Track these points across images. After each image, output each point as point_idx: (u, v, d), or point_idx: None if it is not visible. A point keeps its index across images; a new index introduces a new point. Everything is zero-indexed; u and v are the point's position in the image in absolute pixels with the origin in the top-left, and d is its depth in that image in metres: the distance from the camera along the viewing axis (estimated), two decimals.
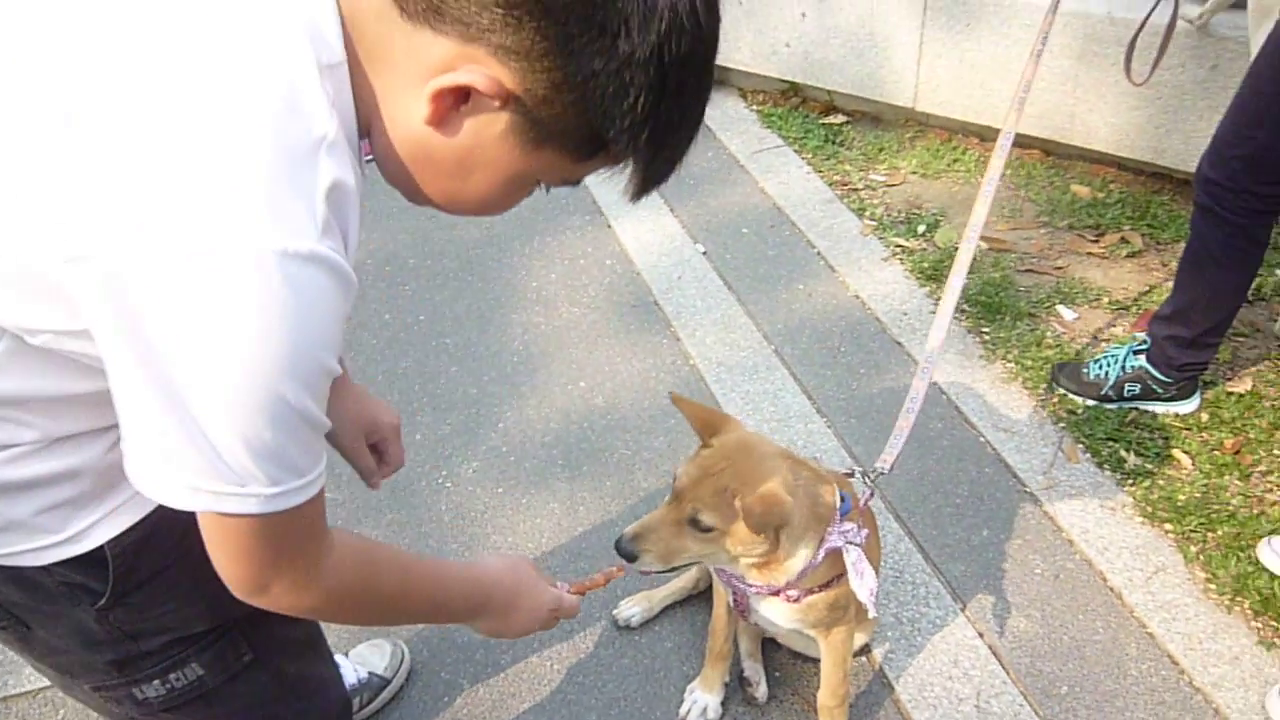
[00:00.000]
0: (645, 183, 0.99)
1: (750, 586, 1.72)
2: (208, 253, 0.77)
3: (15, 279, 0.84)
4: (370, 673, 2.06)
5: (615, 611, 2.21)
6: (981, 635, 2.15)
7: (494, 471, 2.63)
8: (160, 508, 1.06)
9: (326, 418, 0.90)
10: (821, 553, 1.65)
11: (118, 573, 1.07)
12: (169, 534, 1.10)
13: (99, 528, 1.05)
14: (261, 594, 0.98)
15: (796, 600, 1.71)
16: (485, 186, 0.97)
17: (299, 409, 0.85)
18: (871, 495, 1.85)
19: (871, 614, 1.69)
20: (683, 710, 2.03)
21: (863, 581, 1.64)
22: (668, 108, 0.90)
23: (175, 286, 0.78)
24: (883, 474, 1.90)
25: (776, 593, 1.70)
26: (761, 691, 2.06)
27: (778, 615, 1.77)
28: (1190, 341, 2.52)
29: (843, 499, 1.70)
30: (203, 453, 0.83)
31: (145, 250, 0.77)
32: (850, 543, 1.65)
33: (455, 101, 0.88)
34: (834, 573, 1.69)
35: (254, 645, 1.24)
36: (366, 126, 0.93)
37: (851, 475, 1.91)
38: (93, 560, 1.05)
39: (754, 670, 2.07)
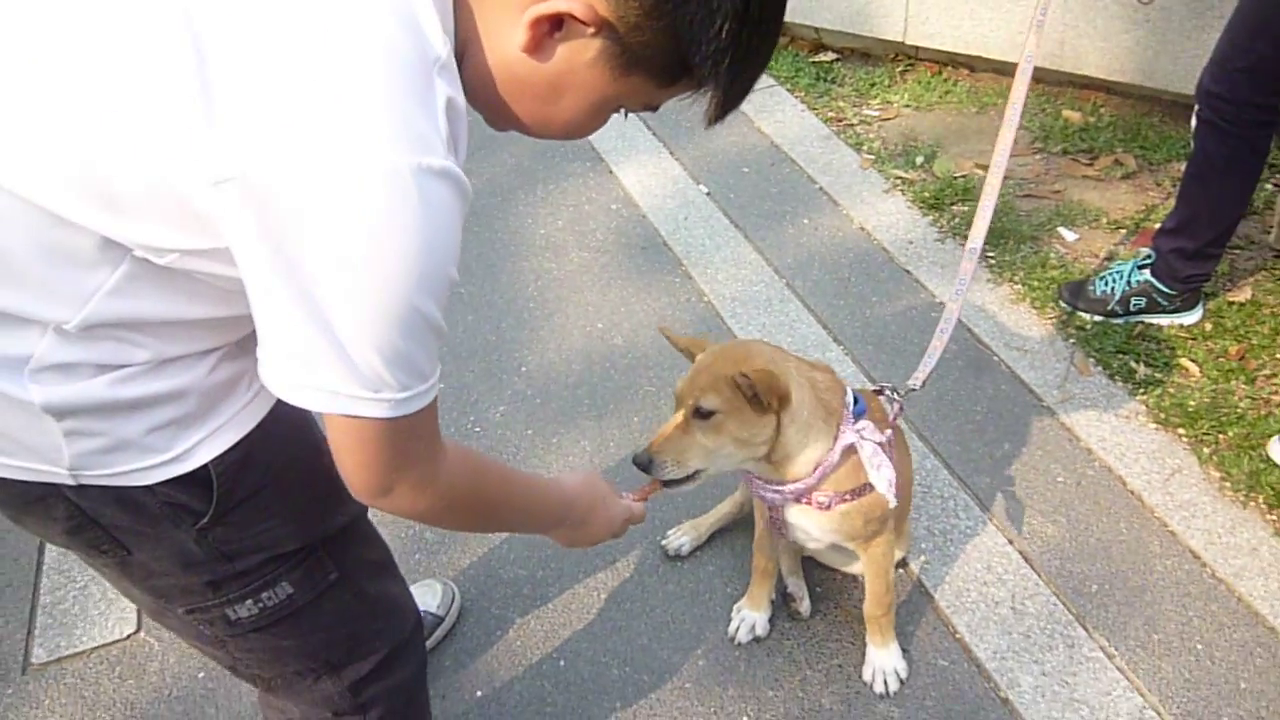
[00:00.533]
0: (723, 107, 1.03)
1: (775, 491, 1.75)
2: (349, 169, 0.81)
3: (152, 201, 0.87)
4: (425, 611, 2.12)
5: (664, 542, 2.27)
6: (1011, 542, 2.24)
7: (521, 414, 2.68)
8: (258, 428, 1.13)
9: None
10: (838, 450, 1.69)
11: (221, 491, 1.11)
12: (266, 454, 1.15)
13: (203, 447, 1.09)
14: (384, 495, 1.02)
15: (828, 507, 1.74)
16: (573, 110, 1.01)
17: (428, 317, 0.90)
18: (901, 410, 1.89)
19: (891, 504, 1.72)
20: (731, 628, 2.11)
21: (879, 473, 1.68)
22: (749, 35, 0.95)
23: (318, 204, 0.82)
24: (914, 391, 1.96)
25: (803, 498, 1.74)
26: (805, 606, 2.13)
27: (812, 526, 1.81)
28: (1194, 253, 2.60)
29: (855, 400, 1.74)
30: (341, 360, 0.88)
31: (288, 170, 0.81)
32: (865, 439, 1.69)
33: (550, 29, 0.92)
34: (858, 480, 1.72)
35: (339, 564, 1.29)
36: (461, 52, 0.97)
37: (880, 392, 1.95)
38: (196, 479, 1.09)
39: (797, 586, 2.15)
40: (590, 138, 3.86)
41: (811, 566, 2.20)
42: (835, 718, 1.96)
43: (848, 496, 1.74)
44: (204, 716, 2.06)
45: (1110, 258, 3.02)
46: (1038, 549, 2.22)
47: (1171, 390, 2.56)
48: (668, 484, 1.65)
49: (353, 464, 0.99)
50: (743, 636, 2.09)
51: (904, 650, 2.03)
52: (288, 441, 1.21)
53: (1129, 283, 2.72)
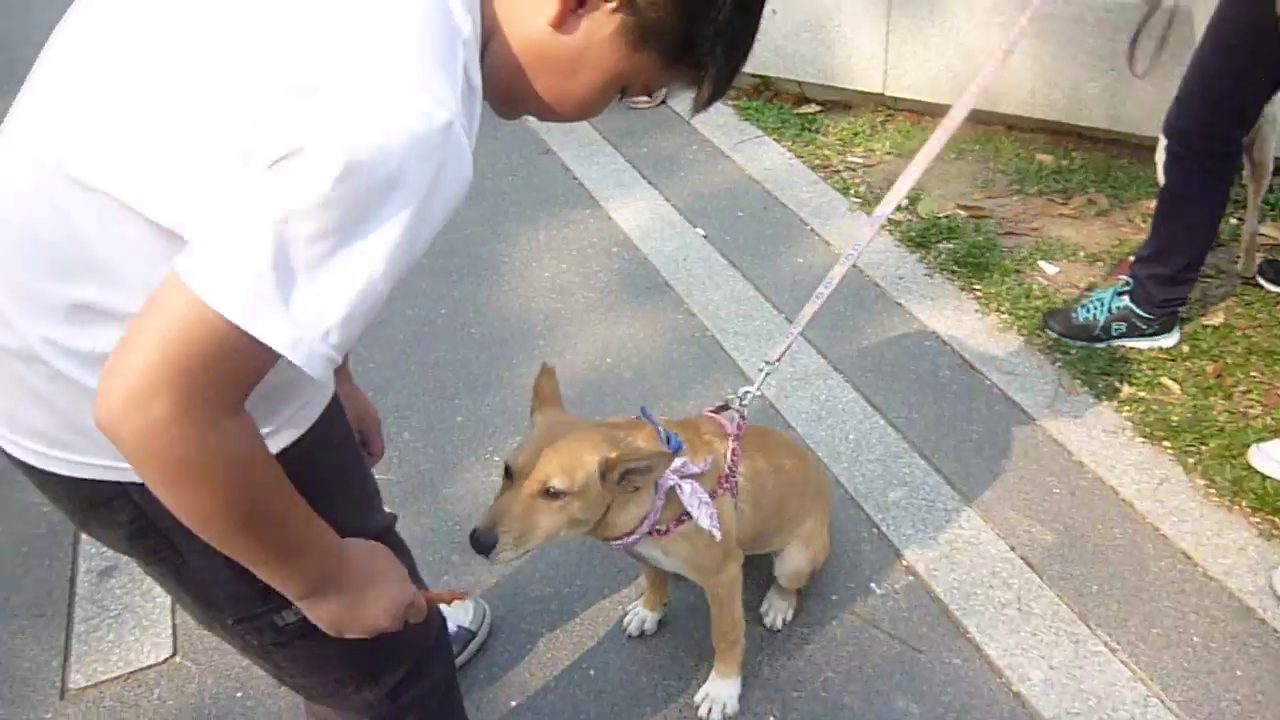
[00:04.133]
0: (714, 92, 1.15)
1: (614, 545, 1.79)
2: (389, 119, 0.89)
3: (247, 102, 0.92)
4: (459, 626, 2.21)
5: (625, 622, 2.28)
6: (1013, 549, 2.37)
7: None
8: (317, 425, 1.20)
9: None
10: (660, 496, 1.73)
11: None
12: (325, 452, 1.23)
13: (269, 441, 1.10)
14: (141, 404, 0.87)
15: (666, 533, 1.77)
16: (588, 86, 1.12)
17: (392, 270, 0.93)
18: (743, 420, 1.93)
19: (717, 538, 1.74)
20: (625, 621, 2.25)
21: (700, 510, 1.71)
22: (740, 22, 1.09)
23: (358, 153, 0.88)
24: (774, 365, 2.05)
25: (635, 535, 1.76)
26: (772, 620, 2.24)
27: (658, 554, 1.85)
28: (1170, 278, 2.78)
29: (668, 439, 1.77)
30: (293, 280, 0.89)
31: (336, 115, 0.88)
32: (683, 479, 1.72)
33: (576, 3, 1.05)
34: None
35: None
36: (486, 41, 1.07)
37: (724, 408, 1.99)
38: None
39: (766, 602, 2.28)
40: (587, 185, 4.02)
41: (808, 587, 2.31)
42: (856, 716, 2.05)
43: (683, 518, 1.77)
44: None
45: (1090, 287, 3.19)
46: (1039, 555, 2.35)
47: (1155, 407, 2.72)
48: (499, 558, 1.58)
49: (148, 349, 0.87)
50: (633, 630, 2.24)
51: (914, 650, 2.14)
52: (335, 447, 1.27)
53: (1110, 309, 2.89)
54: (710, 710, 2.07)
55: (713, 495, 1.80)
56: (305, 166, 0.87)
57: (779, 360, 2.07)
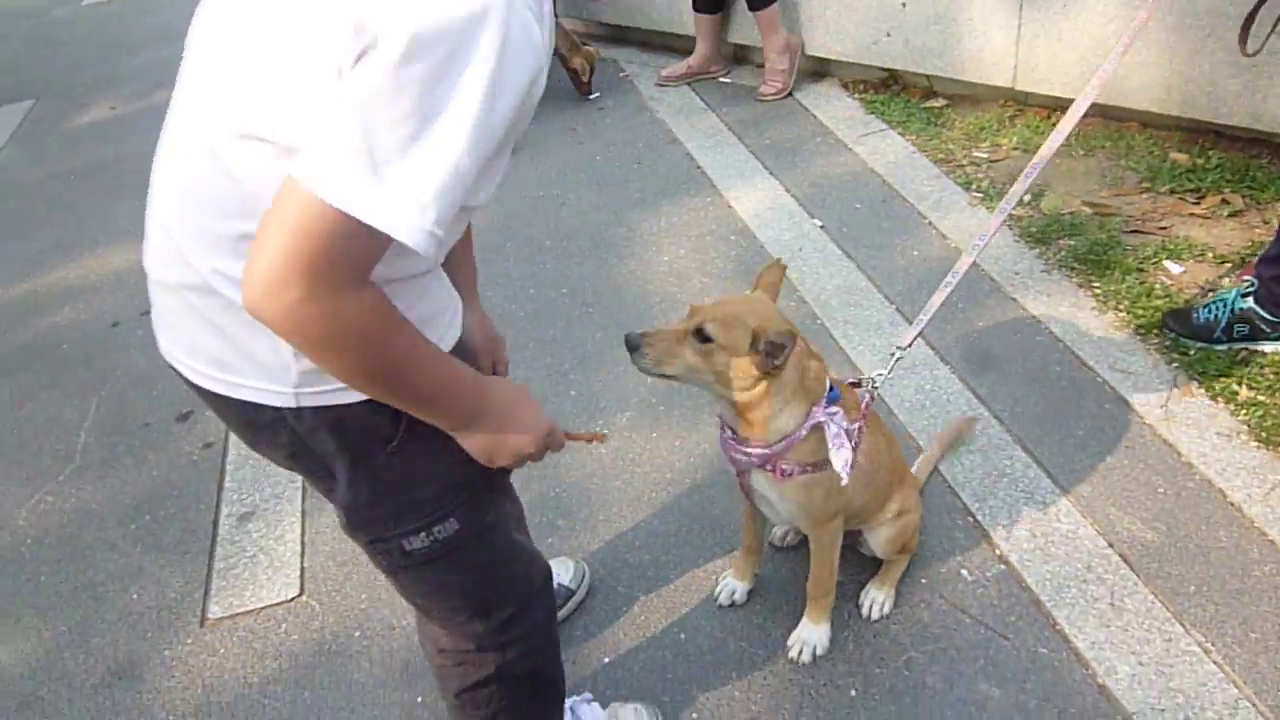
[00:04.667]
0: None
1: (742, 453, 1.88)
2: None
3: (329, 22, 1.02)
4: (559, 583, 2.34)
5: (716, 592, 2.37)
6: (1111, 545, 2.36)
7: (646, 420, 2.91)
8: (457, 348, 1.35)
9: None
10: (807, 426, 1.83)
11: (408, 417, 1.28)
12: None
13: None
14: (279, 292, 1.00)
15: (790, 475, 1.87)
16: None
17: (486, 152, 1.04)
18: (872, 400, 2.03)
19: (843, 481, 1.83)
20: (715, 590, 2.34)
21: (838, 453, 1.81)
22: None
23: (422, 32, 0.97)
24: (904, 351, 2.14)
25: (767, 464, 1.87)
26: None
27: (774, 495, 1.95)
28: None
29: (831, 388, 1.88)
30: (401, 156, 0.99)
31: (398, 4, 0.98)
32: (832, 421, 1.82)
33: None
34: (820, 456, 1.86)
35: (495, 508, 1.52)
36: None
37: (859, 384, 2.08)
38: (388, 406, 1.25)
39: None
40: (709, 173, 4.13)
41: (914, 565, 2.35)
42: (937, 695, 2.10)
43: (809, 468, 1.87)
44: (359, 669, 2.30)
45: (1214, 289, 3.11)
46: (1137, 553, 2.33)
47: (1274, 411, 2.65)
48: (637, 363, 1.78)
49: (277, 245, 1.00)
50: (723, 600, 2.33)
51: (1001, 636, 2.17)
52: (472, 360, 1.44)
53: (1232, 310, 2.82)
54: (802, 652, 2.18)
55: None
56: (378, 56, 0.97)
57: (909, 346, 2.16)
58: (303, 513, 2.75)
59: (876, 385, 2.08)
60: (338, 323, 1.04)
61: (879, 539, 2.22)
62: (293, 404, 1.26)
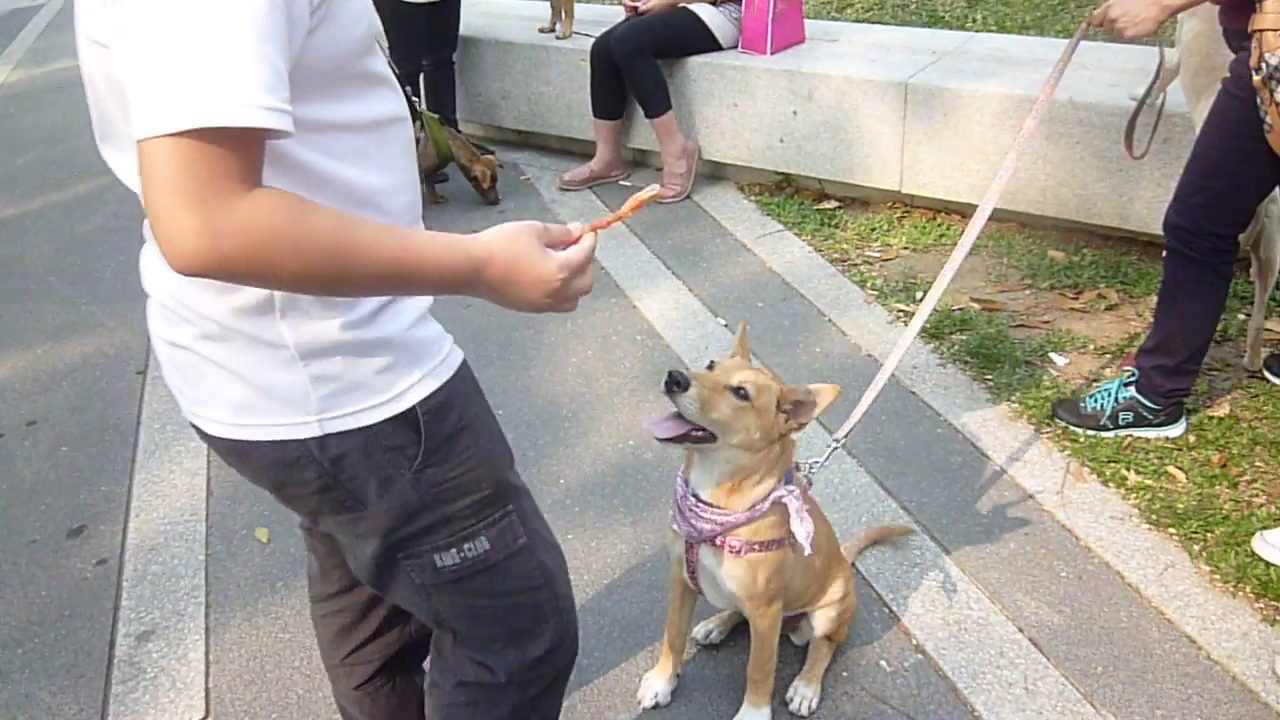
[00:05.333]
0: None
1: (708, 520, 1.93)
2: None
3: None
4: None
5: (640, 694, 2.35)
6: (1021, 630, 2.43)
7: (561, 521, 2.90)
8: (453, 378, 1.39)
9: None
10: (769, 500, 1.91)
11: (427, 431, 1.34)
12: (460, 399, 1.40)
13: (413, 390, 1.33)
14: (179, 240, 0.98)
15: (739, 553, 1.95)
16: None
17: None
18: (809, 485, 2.13)
19: (806, 552, 1.91)
20: (640, 691, 2.33)
21: (802, 525, 1.88)
22: None
23: None
24: (840, 441, 2.28)
25: (722, 538, 1.94)
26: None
27: (720, 572, 2.00)
28: (1173, 369, 2.87)
29: (787, 472, 1.98)
30: (188, 67, 0.96)
31: None
32: (793, 498, 1.91)
33: None
34: (771, 535, 1.95)
35: (526, 531, 1.52)
36: None
37: (797, 468, 2.14)
38: (407, 421, 1.33)
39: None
40: (614, 274, 4.19)
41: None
42: None
43: (757, 547, 1.95)
44: None
45: (1098, 379, 3.29)
46: (1045, 636, 2.41)
47: (1161, 494, 2.79)
48: (676, 403, 1.77)
49: (154, 202, 0.98)
50: (646, 701, 2.31)
51: None
52: (473, 395, 1.47)
53: (1117, 399, 2.99)
54: None
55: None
56: None
57: (846, 437, 2.28)
58: (206, 629, 2.63)
59: (814, 470, 2.15)
60: (246, 232, 0.99)
61: (824, 620, 2.26)
62: (317, 433, 1.29)
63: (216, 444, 1.38)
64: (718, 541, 1.96)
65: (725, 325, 3.79)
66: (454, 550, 1.43)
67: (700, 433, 1.82)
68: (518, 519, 1.50)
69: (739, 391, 1.81)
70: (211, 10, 0.96)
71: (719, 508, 1.94)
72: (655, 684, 2.32)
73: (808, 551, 1.92)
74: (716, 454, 1.89)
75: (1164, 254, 2.83)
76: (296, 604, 2.67)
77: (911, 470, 2.97)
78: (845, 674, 2.37)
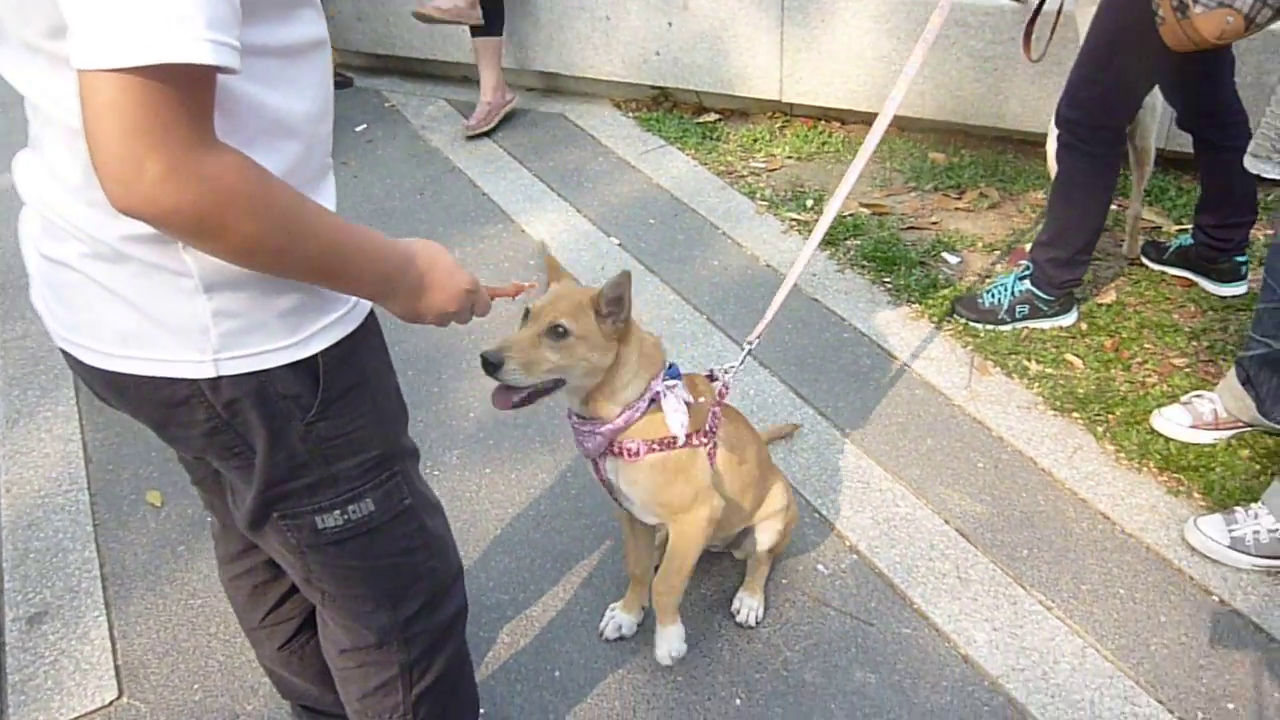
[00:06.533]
0: None
1: (590, 431, 1.85)
2: None
3: None
4: None
5: (601, 626, 2.29)
6: (948, 522, 2.48)
7: (477, 456, 2.80)
8: (360, 329, 1.29)
9: None
10: (646, 399, 1.82)
11: (326, 381, 1.26)
12: (361, 355, 1.31)
13: (318, 338, 1.24)
14: (136, 178, 0.93)
15: (637, 454, 1.85)
16: None
17: None
18: (726, 389, 2.04)
19: (679, 441, 1.84)
20: (601, 625, 2.28)
21: (674, 416, 1.82)
22: None
23: None
24: (751, 345, 2.21)
25: (614, 446, 1.85)
26: (745, 616, 2.30)
27: (627, 483, 1.91)
28: (1067, 261, 2.96)
29: (670, 366, 1.89)
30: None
31: None
32: (670, 393, 1.83)
33: None
34: (664, 433, 1.85)
35: (410, 492, 1.45)
36: None
37: (711, 377, 2.09)
38: (308, 370, 1.23)
39: (738, 599, 2.33)
40: (497, 200, 4.05)
41: (775, 575, 2.39)
42: (818, 690, 2.13)
43: (655, 446, 1.85)
44: None
45: (989, 274, 3.37)
46: (971, 526, 2.47)
47: (1062, 381, 2.89)
48: (504, 386, 1.72)
49: (105, 136, 0.92)
50: (609, 634, 2.26)
51: (865, 623, 2.23)
52: (376, 350, 1.37)
53: (1013, 293, 3.06)
54: (661, 651, 2.13)
55: (693, 438, 1.90)
56: None
57: (757, 339, 2.21)
58: (106, 604, 2.44)
59: (728, 375, 2.08)
60: (210, 185, 0.96)
61: (768, 533, 2.22)
62: (211, 373, 1.19)
63: (91, 375, 1.26)
64: (615, 450, 1.88)
65: (619, 245, 3.71)
66: (337, 511, 1.36)
67: (542, 387, 1.75)
68: (403, 481, 1.43)
69: (557, 330, 1.71)
70: None
71: (597, 419, 1.85)
72: (619, 617, 2.27)
73: (680, 439, 1.84)
74: (572, 385, 1.81)
75: (1053, 147, 2.88)
76: (203, 568, 2.51)
77: (824, 376, 2.99)
78: (785, 581, 2.38)
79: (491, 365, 1.68)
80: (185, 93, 0.93)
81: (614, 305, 1.75)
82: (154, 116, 0.92)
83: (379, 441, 1.36)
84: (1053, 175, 3.13)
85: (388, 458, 1.39)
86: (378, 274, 1.19)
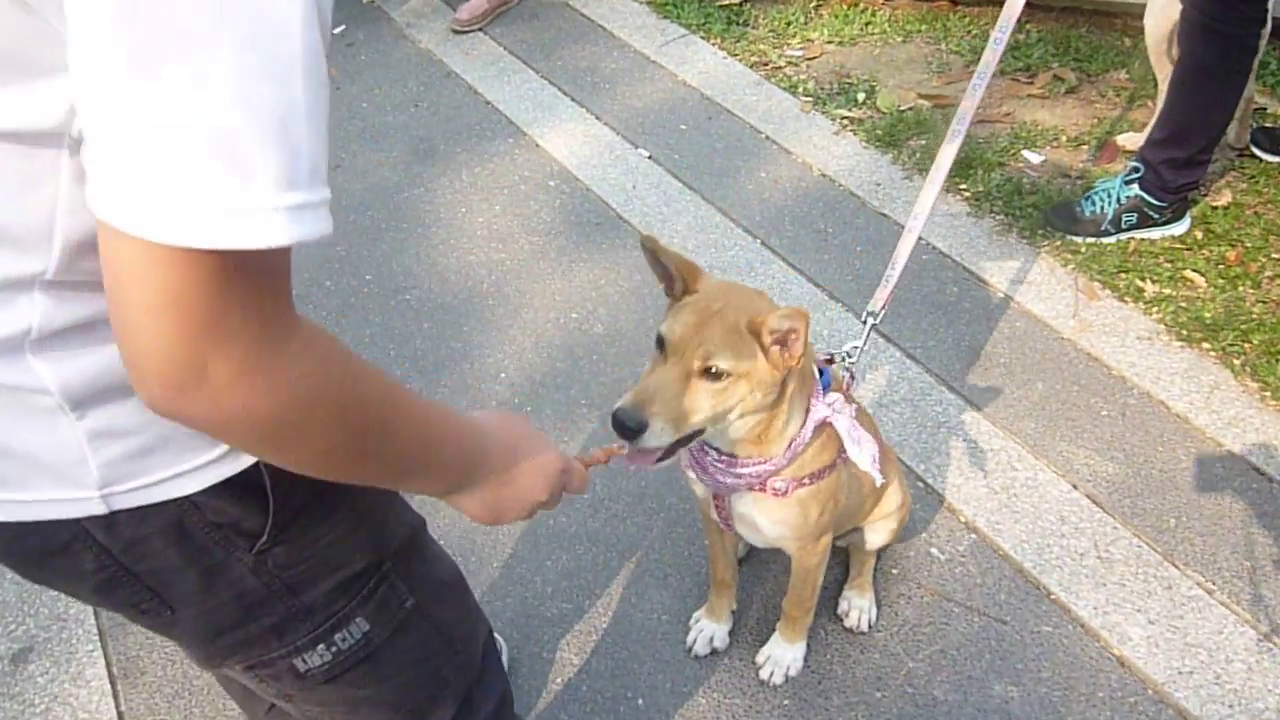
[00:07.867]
0: None
1: (734, 476, 1.51)
2: None
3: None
4: None
5: (690, 640, 1.98)
6: (1076, 487, 2.13)
7: None
8: None
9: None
10: (810, 425, 1.48)
11: (277, 496, 0.91)
12: None
13: None
14: (194, 383, 0.68)
15: (785, 494, 1.53)
16: None
17: (317, 76, 0.66)
18: (853, 380, 1.68)
19: (877, 482, 1.53)
20: (689, 639, 1.95)
21: (861, 449, 1.48)
22: None
23: None
24: (879, 317, 1.76)
25: (759, 484, 1.52)
26: (855, 620, 1.97)
27: (763, 518, 1.60)
28: (1186, 161, 2.54)
29: (821, 373, 1.53)
30: (200, 142, 0.62)
31: None
32: (838, 413, 1.49)
33: None
34: (821, 463, 1.53)
35: (412, 588, 1.09)
36: None
37: (831, 361, 1.68)
38: (247, 485, 0.89)
39: (846, 600, 1.99)
40: (504, 109, 3.55)
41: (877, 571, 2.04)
42: (952, 709, 1.81)
43: (807, 481, 1.53)
44: None
45: (1082, 175, 2.94)
46: (1105, 490, 2.12)
47: (1184, 304, 2.50)
48: (639, 450, 1.33)
49: (155, 328, 0.66)
50: (700, 649, 1.93)
51: (997, 621, 1.90)
52: None
53: (1118, 200, 2.64)
54: (774, 672, 1.87)
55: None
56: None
57: (884, 309, 1.75)
58: (100, 631, 2.10)
59: (852, 360, 1.67)
60: (294, 383, 0.72)
61: (880, 534, 1.88)
62: (101, 509, 0.86)
63: None
64: (756, 487, 1.52)
65: (649, 157, 3.25)
66: (321, 646, 1.02)
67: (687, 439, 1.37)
68: (400, 578, 1.06)
69: (710, 372, 1.32)
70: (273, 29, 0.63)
71: (749, 459, 1.48)
72: (709, 628, 1.93)
73: (878, 480, 1.51)
74: (721, 430, 1.42)
75: (1182, 27, 2.42)
76: None
77: (906, 308, 2.58)
78: (895, 571, 2.03)
79: (632, 432, 1.29)
80: (271, 270, 0.69)
81: (782, 340, 1.34)
82: (222, 305, 0.66)
83: (361, 550, 1.02)
84: (1156, 54, 2.68)
85: (378, 563, 1.04)
86: (462, 467, 0.95)
